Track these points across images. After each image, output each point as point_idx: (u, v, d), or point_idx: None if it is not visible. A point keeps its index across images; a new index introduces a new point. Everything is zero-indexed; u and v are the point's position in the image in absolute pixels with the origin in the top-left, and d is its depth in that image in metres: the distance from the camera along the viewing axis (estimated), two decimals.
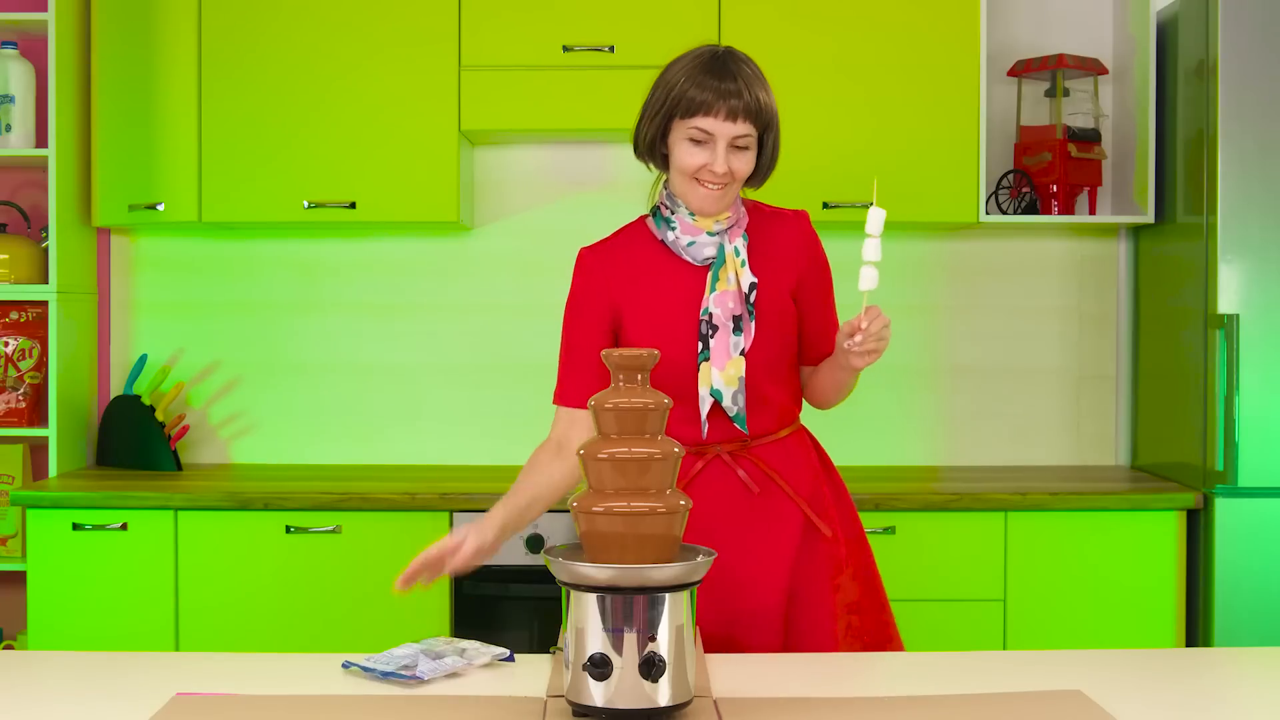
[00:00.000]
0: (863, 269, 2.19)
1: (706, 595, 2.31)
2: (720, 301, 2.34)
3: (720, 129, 2.30)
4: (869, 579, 2.46)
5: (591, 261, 2.44)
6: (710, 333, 2.34)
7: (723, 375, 2.33)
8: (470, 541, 2.27)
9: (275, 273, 4.03)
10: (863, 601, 2.42)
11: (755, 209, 2.46)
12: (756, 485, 2.39)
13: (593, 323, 2.41)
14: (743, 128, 2.31)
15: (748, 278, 2.36)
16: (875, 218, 2.21)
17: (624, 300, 2.41)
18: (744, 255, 2.38)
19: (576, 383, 2.42)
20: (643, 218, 2.49)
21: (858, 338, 2.22)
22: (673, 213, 2.39)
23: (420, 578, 2.25)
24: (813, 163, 3.63)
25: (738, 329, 2.35)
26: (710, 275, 2.36)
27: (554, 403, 2.47)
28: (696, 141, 2.32)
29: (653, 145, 2.40)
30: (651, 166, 2.45)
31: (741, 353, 2.35)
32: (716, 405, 2.36)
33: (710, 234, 2.37)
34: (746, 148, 2.34)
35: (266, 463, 4.04)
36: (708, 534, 2.32)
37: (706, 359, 2.34)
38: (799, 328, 2.44)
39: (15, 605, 3.87)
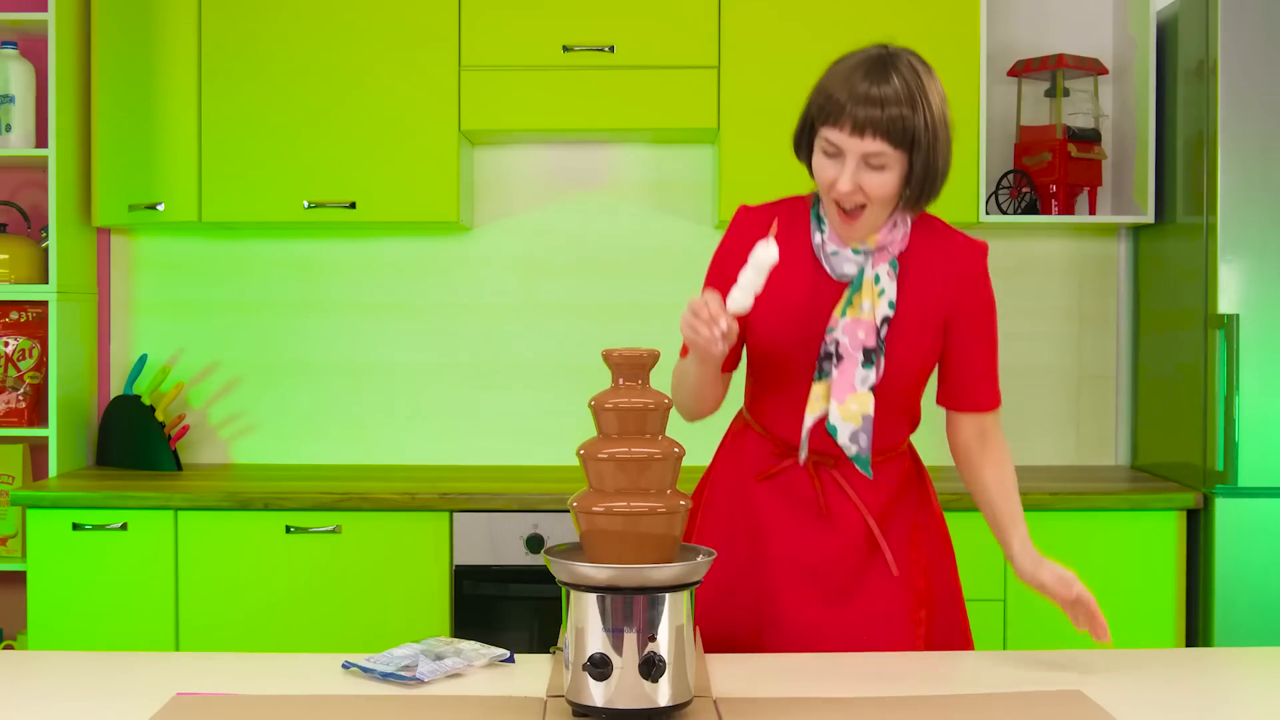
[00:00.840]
0: (734, 290, 2.02)
1: (739, 597, 2.27)
2: (850, 330, 2.15)
3: (848, 144, 2.09)
4: (950, 613, 2.36)
5: (745, 222, 2.27)
6: (835, 359, 2.16)
7: (841, 409, 2.15)
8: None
9: (275, 273, 4.03)
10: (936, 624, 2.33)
11: (926, 223, 2.25)
12: (831, 502, 2.25)
13: (732, 280, 2.19)
14: (874, 144, 2.08)
15: (883, 310, 2.16)
16: (761, 254, 2.01)
17: None
18: (885, 284, 2.17)
19: None
20: (808, 197, 2.28)
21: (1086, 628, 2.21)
22: (827, 213, 2.21)
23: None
24: None
25: (868, 361, 2.16)
26: (844, 298, 2.17)
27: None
28: (829, 154, 2.13)
29: (799, 146, 2.23)
30: (812, 172, 2.23)
31: (870, 388, 2.15)
32: (822, 430, 2.19)
33: (855, 251, 2.18)
34: (883, 167, 2.10)
35: (266, 463, 4.04)
36: (770, 529, 2.25)
37: (822, 379, 2.17)
38: (942, 362, 2.28)
39: (15, 605, 3.87)
